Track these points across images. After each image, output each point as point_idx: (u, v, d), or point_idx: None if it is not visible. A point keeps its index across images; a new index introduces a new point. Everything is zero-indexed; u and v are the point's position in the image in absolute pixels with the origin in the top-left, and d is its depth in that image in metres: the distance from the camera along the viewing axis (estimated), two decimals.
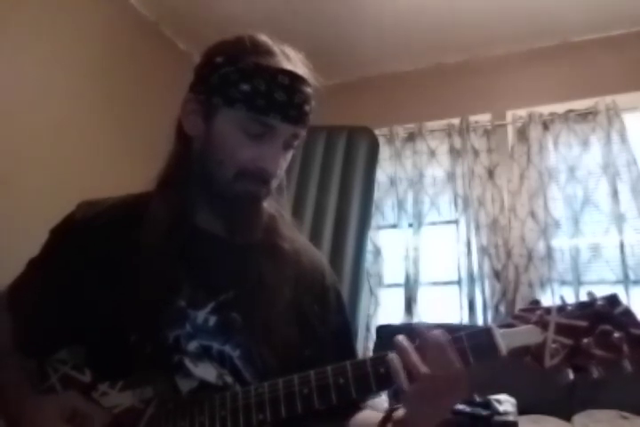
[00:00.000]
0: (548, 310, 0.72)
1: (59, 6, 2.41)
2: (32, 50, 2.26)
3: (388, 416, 0.80)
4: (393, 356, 0.74)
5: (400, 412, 0.79)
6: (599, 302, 0.69)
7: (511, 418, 1.95)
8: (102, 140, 2.54)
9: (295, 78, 0.88)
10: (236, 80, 0.87)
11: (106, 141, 2.55)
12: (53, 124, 2.31)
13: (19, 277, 1.00)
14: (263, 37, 0.93)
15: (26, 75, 2.23)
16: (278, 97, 0.86)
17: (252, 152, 0.89)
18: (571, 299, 0.74)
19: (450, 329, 0.76)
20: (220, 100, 0.89)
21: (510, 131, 3.19)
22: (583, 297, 0.73)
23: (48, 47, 2.35)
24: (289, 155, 0.96)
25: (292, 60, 0.91)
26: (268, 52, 0.90)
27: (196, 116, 0.92)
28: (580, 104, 3.05)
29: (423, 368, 0.72)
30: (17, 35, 2.21)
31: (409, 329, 0.75)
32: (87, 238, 0.94)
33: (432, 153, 3.31)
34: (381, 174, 3.24)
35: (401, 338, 0.76)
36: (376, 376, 0.75)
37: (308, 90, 0.89)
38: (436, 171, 3.29)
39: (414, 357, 0.73)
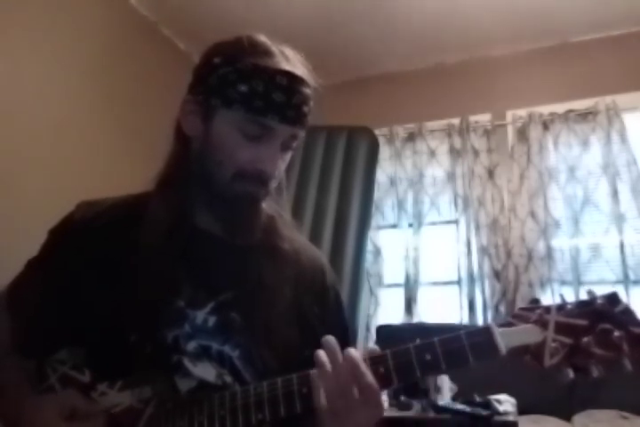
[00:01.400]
0: (547, 309, 0.72)
1: (59, 6, 2.41)
2: (32, 50, 2.27)
3: None
4: (312, 372, 0.75)
5: None
6: (599, 301, 0.69)
7: (511, 418, 1.96)
8: (102, 140, 2.54)
9: (293, 79, 0.87)
10: (234, 81, 0.87)
11: (105, 141, 2.55)
12: (53, 124, 2.31)
13: (18, 277, 1.00)
14: (262, 38, 0.92)
15: (26, 75, 2.23)
16: (276, 98, 0.86)
17: (251, 153, 0.89)
18: (570, 298, 0.74)
19: (450, 329, 0.75)
20: (219, 101, 0.88)
21: (510, 131, 3.19)
22: (583, 297, 0.73)
23: (48, 47, 2.35)
24: (287, 156, 0.95)
25: (291, 61, 0.90)
26: (267, 53, 0.89)
27: (195, 116, 0.92)
28: (580, 104, 3.05)
29: (333, 386, 0.73)
30: (17, 35, 2.21)
31: (409, 329, 0.75)
32: (86, 239, 0.93)
33: (432, 153, 3.31)
34: (381, 174, 3.24)
35: (320, 353, 0.76)
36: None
37: (307, 91, 0.89)
38: (436, 171, 3.29)
39: (326, 375, 0.74)
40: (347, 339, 1.04)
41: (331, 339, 0.76)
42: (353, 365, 0.73)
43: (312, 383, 0.74)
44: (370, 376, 0.72)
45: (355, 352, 0.75)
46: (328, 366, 0.74)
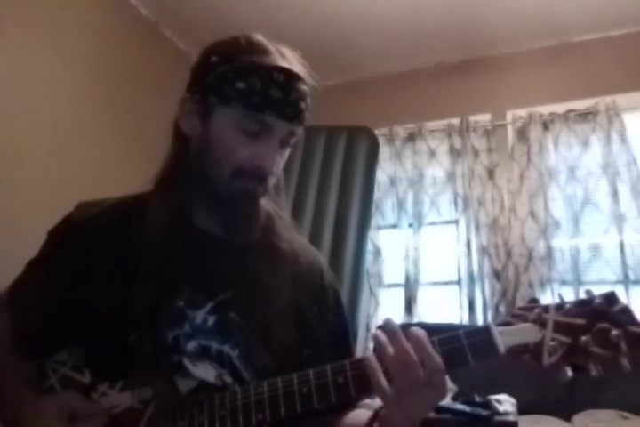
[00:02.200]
0: (546, 309, 0.73)
1: (59, 6, 2.41)
2: (32, 50, 2.27)
3: (375, 415, 0.80)
4: (370, 355, 0.75)
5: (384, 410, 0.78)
6: (597, 300, 0.69)
7: (511, 418, 1.95)
8: (101, 140, 2.54)
9: (290, 76, 0.88)
10: (231, 78, 0.87)
11: (105, 141, 2.55)
12: (53, 125, 2.31)
13: (18, 278, 1.00)
14: (258, 37, 0.93)
15: (26, 75, 2.23)
16: (274, 94, 0.86)
17: (249, 150, 0.89)
18: (570, 298, 0.74)
19: (450, 329, 0.76)
20: (217, 99, 0.89)
21: (510, 131, 3.19)
22: (582, 296, 0.73)
23: (48, 47, 2.35)
24: (286, 153, 0.96)
25: (288, 59, 0.91)
26: (264, 51, 0.90)
27: (193, 115, 0.93)
28: (580, 104, 3.05)
29: (398, 365, 0.72)
30: (17, 35, 2.21)
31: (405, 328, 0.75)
32: (86, 239, 0.94)
33: (432, 153, 3.31)
34: (381, 174, 3.24)
35: (379, 333, 0.76)
36: None
37: (304, 87, 0.90)
38: (436, 171, 3.29)
39: (389, 354, 0.73)
40: (347, 337, 1.04)
41: (391, 320, 0.76)
42: (418, 345, 0.72)
43: (368, 366, 0.73)
44: (437, 356, 0.71)
45: (419, 332, 0.74)
46: (389, 346, 0.73)
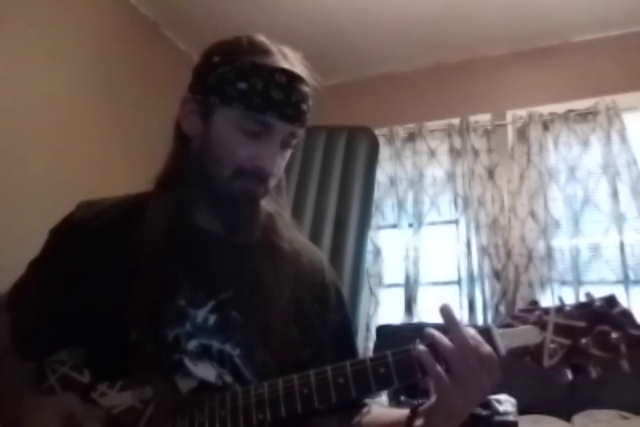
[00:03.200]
0: (546, 311, 0.73)
1: (59, 6, 2.41)
2: (32, 51, 2.27)
3: (415, 409, 0.80)
4: (418, 344, 0.75)
5: (428, 404, 0.79)
6: (597, 303, 0.69)
7: (511, 418, 1.95)
8: (102, 139, 2.54)
9: (292, 77, 0.88)
10: (233, 79, 0.87)
11: (105, 141, 2.56)
12: (53, 125, 2.32)
13: (19, 278, 1.00)
14: (260, 37, 0.93)
15: (26, 75, 2.23)
16: (275, 95, 0.86)
17: (250, 151, 0.89)
18: (570, 299, 0.74)
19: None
20: (218, 100, 0.89)
21: (510, 131, 3.19)
22: (582, 298, 0.73)
23: (48, 48, 2.35)
24: (287, 154, 0.96)
25: (290, 59, 0.91)
26: (265, 52, 0.90)
27: (195, 115, 0.93)
28: (580, 104, 3.05)
29: (456, 352, 0.73)
30: (17, 35, 2.22)
31: (409, 329, 0.75)
32: (87, 238, 0.94)
33: (432, 153, 3.31)
34: (381, 174, 3.24)
35: (431, 329, 0.77)
36: (376, 376, 0.75)
37: (306, 88, 0.89)
38: (436, 171, 3.29)
39: (446, 342, 0.74)
40: (349, 336, 1.04)
41: (448, 306, 0.77)
42: (471, 335, 0.74)
43: (421, 355, 0.74)
44: (488, 346, 0.73)
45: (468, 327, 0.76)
46: (445, 335, 0.75)
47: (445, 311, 0.76)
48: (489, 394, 0.76)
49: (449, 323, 0.76)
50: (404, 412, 0.83)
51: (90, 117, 2.49)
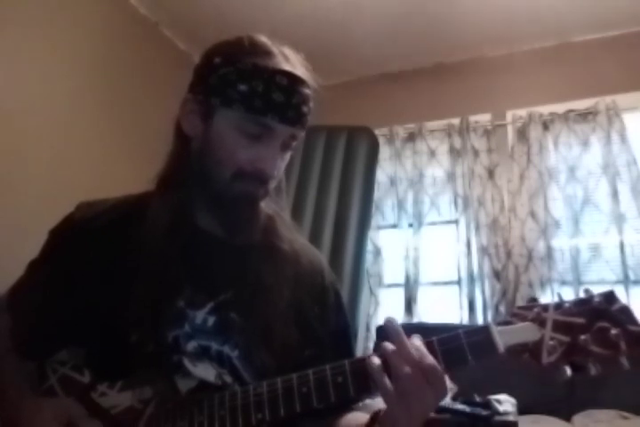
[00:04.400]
0: (545, 308, 0.73)
1: (59, 6, 2.41)
2: (32, 51, 2.27)
3: (374, 417, 0.80)
4: (372, 355, 0.75)
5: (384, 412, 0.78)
6: (596, 299, 0.69)
7: (511, 418, 1.95)
8: (102, 140, 2.54)
9: (293, 79, 0.87)
10: (233, 80, 0.87)
11: (106, 141, 2.56)
12: (53, 125, 2.32)
13: (19, 278, 1.00)
14: (262, 38, 0.93)
15: (26, 75, 2.23)
16: (276, 98, 0.86)
17: (250, 153, 0.89)
18: (569, 297, 0.74)
19: (450, 329, 0.76)
20: (219, 101, 0.89)
21: (510, 131, 3.19)
22: (582, 294, 0.73)
23: (48, 48, 2.35)
24: (287, 156, 0.95)
25: (291, 61, 0.90)
26: (267, 53, 0.90)
27: (195, 116, 0.92)
28: (580, 104, 3.05)
29: (401, 366, 0.72)
30: (17, 35, 2.22)
31: (409, 329, 0.76)
32: (86, 239, 0.94)
33: (432, 153, 3.31)
34: (381, 174, 3.24)
35: (385, 342, 0.76)
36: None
37: (307, 91, 0.89)
38: (436, 171, 3.29)
39: (392, 355, 0.73)
40: (348, 338, 1.04)
41: (393, 319, 0.76)
42: (417, 347, 0.73)
43: (370, 367, 0.73)
44: (432, 358, 0.72)
45: (416, 337, 0.75)
46: (391, 348, 0.74)
47: (389, 324, 0.75)
48: (434, 408, 0.75)
49: (392, 336, 0.74)
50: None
51: (90, 117, 2.49)
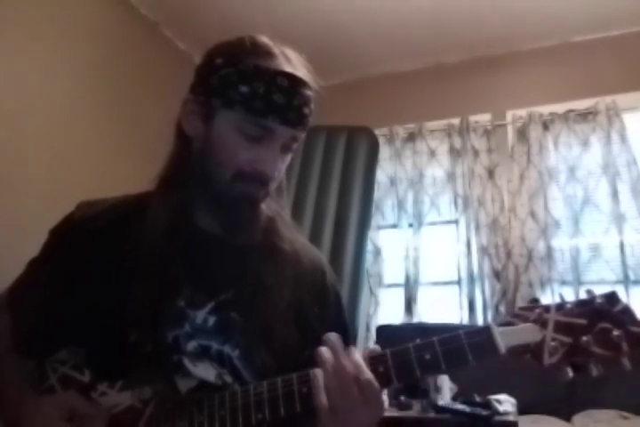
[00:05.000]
0: (546, 308, 0.72)
1: (59, 7, 2.41)
2: (32, 51, 2.27)
3: None
4: (315, 370, 0.75)
5: None
6: (598, 300, 0.69)
7: (511, 418, 1.96)
8: (102, 139, 2.54)
9: (295, 81, 0.87)
10: (235, 82, 0.87)
11: (106, 141, 2.56)
12: (54, 125, 2.32)
13: (19, 277, 1.00)
14: (264, 39, 0.92)
15: (26, 76, 2.23)
16: (277, 99, 0.86)
17: (250, 154, 0.89)
18: (570, 298, 0.74)
19: (450, 329, 0.76)
20: (219, 102, 0.88)
21: (510, 131, 3.19)
22: (583, 296, 0.73)
23: (48, 48, 2.35)
24: (288, 157, 0.95)
25: (293, 62, 0.90)
26: (269, 54, 0.89)
27: (196, 116, 0.92)
28: (580, 104, 3.05)
29: (334, 382, 0.72)
30: (17, 35, 2.22)
31: (409, 329, 0.75)
32: (86, 239, 0.93)
33: (432, 153, 3.31)
34: (381, 174, 3.24)
35: (323, 350, 0.76)
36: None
37: (308, 92, 0.89)
38: (436, 171, 3.29)
39: (328, 371, 0.73)
40: (347, 339, 1.04)
41: (333, 336, 0.76)
42: (354, 363, 0.73)
43: (313, 382, 0.74)
44: (370, 375, 0.72)
45: (355, 351, 0.75)
46: (330, 363, 0.74)
47: (329, 341, 0.76)
48: (372, 426, 0.75)
49: (332, 354, 0.75)
50: None
51: (90, 117, 2.49)
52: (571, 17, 2.99)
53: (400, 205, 3.24)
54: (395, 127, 3.38)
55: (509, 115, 3.22)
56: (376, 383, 0.72)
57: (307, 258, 1.00)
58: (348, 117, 3.03)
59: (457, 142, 3.24)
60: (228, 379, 0.85)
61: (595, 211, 2.91)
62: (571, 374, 0.69)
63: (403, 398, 2.18)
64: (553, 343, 0.69)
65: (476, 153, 3.19)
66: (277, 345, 0.87)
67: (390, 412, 2.09)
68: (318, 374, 0.74)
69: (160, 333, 0.85)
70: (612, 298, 0.69)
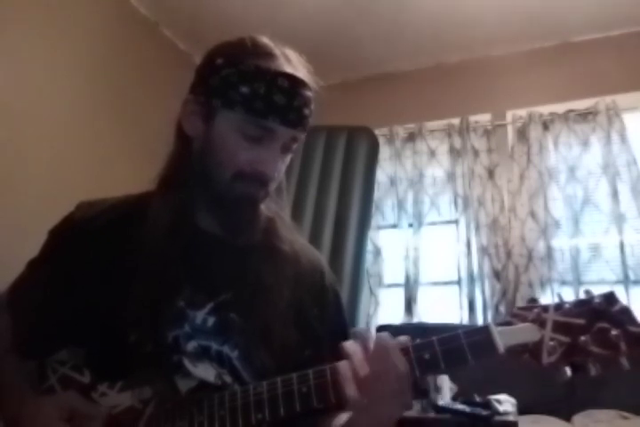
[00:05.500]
0: (545, 308, 0.73)
1: (59, 7, 2.41)
2: (32, 51, 2.27)
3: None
4: (342, 363, 0.75)
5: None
6: (596, 300, 0.69)
7: (511, 418, 1.95)
8: (102, 140, 2.54)
9: (295, 81, 0.87)
10: (235, 82, 0.87)
11: (106, 141, 2.56)
12: (54, 125, 2.32)
13: (18, 277, 1.00)
14: (264, 39, 0.93)
15: (27, 76, 2.23)
16: (278, 100, 0.86)
17: (250, 155, 0.89)
18: (569, 298, 0.74)
19: (450, 329, 0.76)
20: (220, 102, 0.89)
21: (510, 131, 3.19)
22: (582, 296, 0.73)
23: (48, 48, 2.35)
24: (287, 158, 0.95)
25: (293, 63, 0.90)
26: (269, 55, 0.89)
27: (196, 117, 0.92)
28: (580, 104, 3.05)
29: (363, 371, 0.73)
30: (17, 35, 2.22)
31: (409, 329, 0.76)
32: (86, 239, 0.94)
33: (432, 153, 3.31)
34: (381, 174, 3.24)
35: (349, 344, 0.77)
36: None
37: (308, 93, 0.89)
38: (436, 171, 3.29)
39: (359, 364, 0.74)
40: (346, 339, 1.04)
41: (361, 329, 0.77)
42: (386, 354, 0.73)
43: (340, 374, 0.74)
44: (402, 365, 0.72)
45: (387, 340, 0.75)
46: (359, 355, 0.74)
47: (359, 334, 0.77)
48: (400, 415, 0.76)
49: (360, 345, 0.76)
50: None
51: (90, 117, 2.49)
52: (571, 17, 2.99)
53: (400, 205, 3.24)
54: (395, 127, 3.38)
55: (509, 115, 3.22)
56: (407, 373, 0.72)
57: (306, 258, 1.00)
58: (348, 117, 3.03)
59: (457, 142, 3.24)
60: (228, 379, 0.85)
61: (595, 211, 2.91)
62: (569, 373, 0.69)
63: None
64: (551, 343, 0.69)
65: (475, 153, 3.19)
66: (277, 346, 0.87)
67: None
68: (344, 366, 0.74)
69: (160, 333, 0.85)
70: (610, 298, 0.69)
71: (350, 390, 0.73)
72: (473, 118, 3.25)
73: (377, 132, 3.08)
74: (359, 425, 0.75)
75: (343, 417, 0.87)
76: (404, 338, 0.76)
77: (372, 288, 3.13)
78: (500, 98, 3.26)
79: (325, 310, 0.99)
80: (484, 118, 3.26)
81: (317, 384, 0.75)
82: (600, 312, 0.68)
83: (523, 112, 3.14)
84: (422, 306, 3.01)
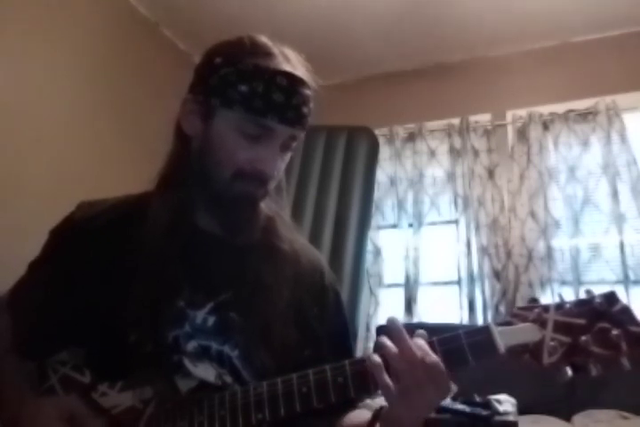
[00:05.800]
0: (546, 308, 0.73)
1: (59, 7, 2.41)
2: (32, 51, 2.27)
3: (376, 414, 0.80)
4: (372, 354, 0.75)
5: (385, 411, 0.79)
6: (597, 300, 0.69)
7: (511, 418, 1.95)
8: (102, 140, 2.54)
9: (294, 80, 0.87)
10: (234, 81, 0.87)
11: (105, 141, 2.56)
12: (54, 125, 2.32)
13: (20, 278, 1.00)
14: (263, 38, 0.93)
15: (27, 76, 2.23)
16: (276, 98, 0.86)
17: (250, 153, 0.89)
18: (570, 298, 0.74)
19: (450, 329, 0.76)
20: (219, 101, 0.89)
21: (510, 131, 3.19)
22: (582, 296, 0.73)
23: (48, 48, 2.35)
24: (287, 156, 0.95)
25: (292, 62, 0.90)
26: (268, 54, 0.89)
27: (195, 116, 0.92)
28: (580, 104, 3.05)
29: (403, 364, 0.72)
30: (17, 35, 2.21)
31: (409, 329, 0.76)
32: (87, 239, 0.94)
33: (432, 153, 3.31)
34: (381, 174, 3.24)
35: (383, 338, 0.77)
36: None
37: (307, 92, 0.89)
38: (436, 171, 3.29)
39: (394, 353, 0.74)
40: (347, 338, 1.04)
41: (395, 319, 0.77)
42: (419, 346, 0.74)
43: (374, 366, 0.74)
44: (435, 356, 0.72)
45: (419, 331, 0.76)
46: (394, 347, 0.74)
47: (391, 324, 0.76)
48: (437, 405, 0.76)
49: (395, 335, 0.75)
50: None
51: (89, 117, 2.49)
52: (571, 17, 2.99)
53: (400, 205, 3.24)
54: (395, 127, 3.38)
55: (509, 115, 3.22)
56: (441, 364, 0.72)
57: (306, 258, 1.00)
58: (348, 117, 3.03)
59: (457, 142, 3.24)
60: (228, 379, 0.85)
61: (595, 211, 2.90)
62: (570, 373, 0.69)
63: None
64: (552, 343, 0.69)
65: (475, 153, 3.19)
66: (277, 345, 0.88)
67: None
68: (375, 357, 0.74)
69: (160, 333, 0.86)
70: (610, 298, 0.69)
71: (385, 380, 0.73)
72: (473, 118, 3.25)
73: (377, 132, 3.08)
74: (398, 415, 0.75)
75: (363, 414, 0.87)
76: (422, 332, 0.77)
77: (372, 288, 3.12)
78: (500, 98, 3.26)
79: (325, 309, 0.99)
80: (484, 118, 3.26)
81: (354, 373, 0.76)
82: (600, 312, 0.68)
83: (523, 112, 3.14)
84: (422, 306, 3.01)
